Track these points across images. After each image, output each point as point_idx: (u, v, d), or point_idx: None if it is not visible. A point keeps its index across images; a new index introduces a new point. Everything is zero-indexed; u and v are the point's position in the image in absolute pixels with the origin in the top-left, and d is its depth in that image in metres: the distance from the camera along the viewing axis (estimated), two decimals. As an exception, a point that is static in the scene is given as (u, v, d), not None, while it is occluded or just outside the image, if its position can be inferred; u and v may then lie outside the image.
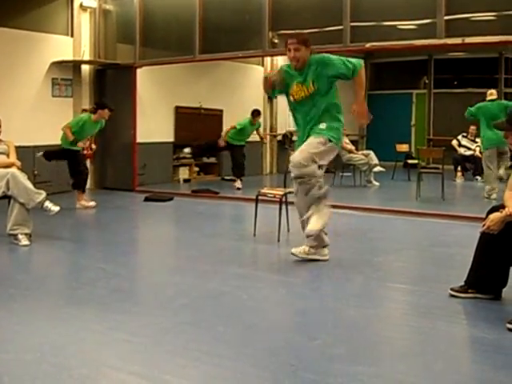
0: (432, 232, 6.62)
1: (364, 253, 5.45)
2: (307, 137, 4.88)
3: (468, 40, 7.14)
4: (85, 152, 8.31)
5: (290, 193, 5.94)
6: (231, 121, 11.04)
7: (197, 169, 12.00)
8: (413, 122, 16.26)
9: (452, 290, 3.92)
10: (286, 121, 13.70)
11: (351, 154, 11.10)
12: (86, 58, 9.90)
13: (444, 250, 5.64)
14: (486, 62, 14.91)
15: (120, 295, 4.02)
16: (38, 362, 2.84)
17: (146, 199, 8.83)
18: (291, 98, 4.99)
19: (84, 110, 9.21)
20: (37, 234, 5.66)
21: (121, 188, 9.93)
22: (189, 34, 9.08)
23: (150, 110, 10.54)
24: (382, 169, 11.26)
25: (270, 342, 3.15)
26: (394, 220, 7.29)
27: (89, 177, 10.03)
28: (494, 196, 8.58)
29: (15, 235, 5.47)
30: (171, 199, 8.88)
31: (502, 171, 9.34)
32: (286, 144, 13.40)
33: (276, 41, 8.71)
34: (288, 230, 6.13)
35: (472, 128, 11.46)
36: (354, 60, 4.86)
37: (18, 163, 5.84)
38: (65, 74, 9.62)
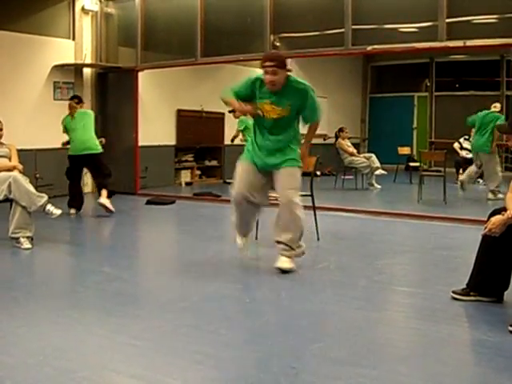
0: (434, 235, 6.61)
1: (366, 256, 5.45)
2: (271, 151, 4.72)
3: (469, 43, 7.14)
4: None
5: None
6: (233, 124, 11.03)
7: (198, 172, 12.01)
8: (414, 125, 16.26)
9: (454, 292, 3.91)
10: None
11: (353, 157, 11.11)
12: (88, 61, 9.91)
13: (446, 252, 5.64)
14: (487, 64, 14.91)
15: (122, 298, 4.02)
16: (41, 365, 2.84)
17: (148, 202, 8.83)
18: (259, 113, 4.75)
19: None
20: (39, 238, 5.67)
21: (123, 191, 9.93)
22: (190, 37, 9.09)
23: (151, 114, 10.55)
24: (383, 172, 11.25)
25: (271, 345, 3.15)
26: (395, 223, 7.29)
27: (90, 180, 10.07)
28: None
29: (17, 238, 5.47)
30: (173, 202, 8.89)
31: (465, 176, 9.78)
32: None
33: (278, 44, 8.72)
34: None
35: (473, 131, 11.47)
36: (320, 111, 4.82)
37: (20, 166, 5.84)
38: (66, 77, 9.64)
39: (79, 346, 3.10)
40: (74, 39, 9.75)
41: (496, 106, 9.64)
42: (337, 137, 11.33)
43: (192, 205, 8.88)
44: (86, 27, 9.92)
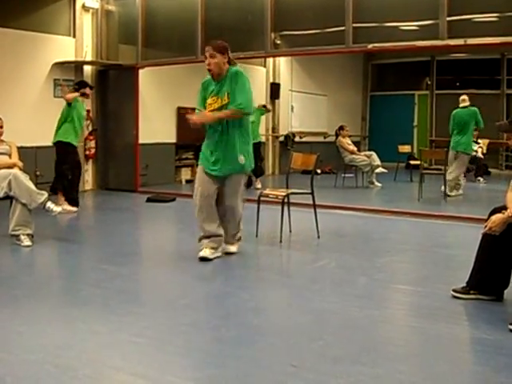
0: (434, 233, 6.62)
1: (366, 254, 5.45)
2: (221, 154, 5.00)
3: (470, 41, 7.15)
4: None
5: (292, 193, 5.95)
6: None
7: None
8: (415, 123, 16.27)
9: (454, 291, 3.92)
10: (288, 122, 13.73)
11: (353, 155, 11.11)
12: (88, 58, 9.91)
13: (446, 251, 5.65)
14: (488, 63, 14.92)
15: (123, 296, 4.02)
16: (41, 362, 2.84)
17: (149, 200, 8.83)
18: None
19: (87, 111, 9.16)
20: (39, 235, 5.67)
21: (123, 189, 9.94)
22: (191, 34, 9.09)
23: (152, 111, 10.55)
24: (384, 170, 11.26)
25: (271, 343, 3.15)
26: (396, 221, 7.29)
27: (91, 178, 10.07)
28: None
29: (17, 236, 5.48)
30: (173, 200, 8.89)
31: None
32: (288, 145, 13.40)
33: (278, 42, 8.72)
34: (290, 231, 6.13)
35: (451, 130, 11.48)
36: (250, 104, 4.89)
37: (20, 164, 5.85)
38: (67, 74, 9.63)
39: (80, 343, 3.11)
40: (74, 36, 9.74)
41: (465, 100, 9.48)
42: (337, 135, 11.33)
43: (192, 202, 8.85)
44: (86, 24, 9.91)
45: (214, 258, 4.95)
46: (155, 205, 8.57)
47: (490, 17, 7.22)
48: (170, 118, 11.14)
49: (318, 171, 11.98)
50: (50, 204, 5.56)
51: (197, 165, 5.34)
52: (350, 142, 11.35)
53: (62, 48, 9.55)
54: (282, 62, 13.64)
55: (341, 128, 11.34)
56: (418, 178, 9.56)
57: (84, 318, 3.52)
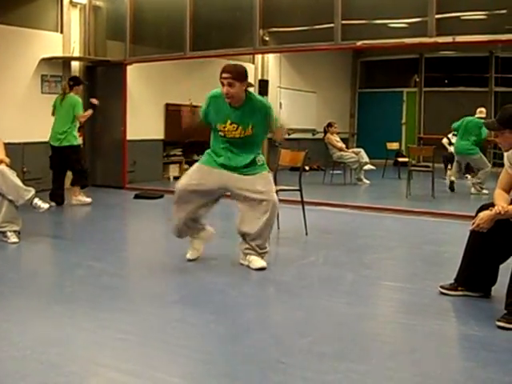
0: (422, 230, 6.64)
1: (354, 250, 5.46)
2: (236, 166, 4.59)
3: (459, 39, 7.16)
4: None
5: (280, 190, 5.94)
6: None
7: (187, 166, 11.96)
8: (403, 121, 16.31)
9: (442, 287, 3.93)
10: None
11: (341, 152, 11.12)
12: (76, 54, 9.85)
13: (434, 248, 5.66)
14: (476, 60, 14.99)
15: (110, 293, 4.00)
16: (28, 359, 2.82)
17: (136, 197, 8.81)
18: (220, 133, 4.56)
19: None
20: (26, 232, 5.63)
21: (111, 185, 9.90)
22: (179, 31, 9.06)
23: (140, 108, 10.50)
24: (372, 167, 11.28)
25: (259, 339, 3.15)
26: (384, 218, 7.31)
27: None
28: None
29: (4, 232, 5.43)
30: (161, 197, 8.86)
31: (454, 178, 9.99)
32: (276, 142, 13.38)
33: (267, 38, 8.71)
34: (278, 228, 6.12)
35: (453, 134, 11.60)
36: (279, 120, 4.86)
37: (7, 160, 5.78)
38: (54, 70, 9.57)
39: (67, 340, 3.08)
40: (62, 32, 9.66)
41: (482, 112, 9.77)
42: (325, 132, 11.33)
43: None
44: (74, 20, 9.83)
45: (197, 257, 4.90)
46: (143, 201, 8.54)
47: (479, 15, 7.26)
48: (158, 115, 11.10)
49: (307, 168, 11.98)
50: (37, 200, 5.52)
51: (186, 162, 5.23)
52: (338, 139, 11.35)
53: (50, 44, 9.47)
54: (271, 59, 13.62)
55: (329, 125, 11.34)
56: (406, 175, 9.59)
57: (71, 315, 3.49)
